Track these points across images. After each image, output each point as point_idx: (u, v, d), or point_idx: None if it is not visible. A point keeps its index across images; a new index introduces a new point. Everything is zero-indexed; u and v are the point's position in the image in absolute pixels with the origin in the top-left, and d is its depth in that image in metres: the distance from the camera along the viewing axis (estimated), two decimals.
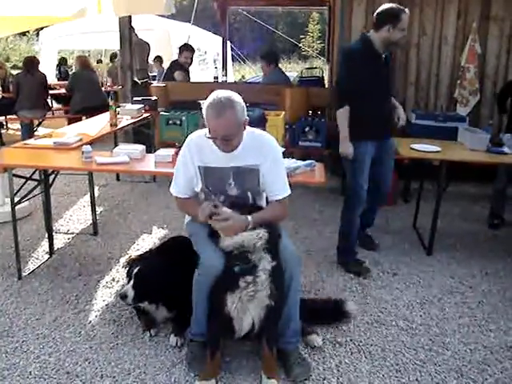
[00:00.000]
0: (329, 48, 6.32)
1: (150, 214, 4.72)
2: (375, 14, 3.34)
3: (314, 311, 2.81)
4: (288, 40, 19.80)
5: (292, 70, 16.52)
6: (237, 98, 2.32)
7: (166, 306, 2.74)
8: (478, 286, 3.42)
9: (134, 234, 4.24)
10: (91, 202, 4.21)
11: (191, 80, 6.81)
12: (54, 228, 4.07)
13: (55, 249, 3.87)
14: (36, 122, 7.70)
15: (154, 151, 3.54)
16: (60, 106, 9.46)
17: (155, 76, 9.47)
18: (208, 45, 13.53)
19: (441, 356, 2.64)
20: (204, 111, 2.31)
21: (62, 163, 3.53)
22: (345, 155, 3.41)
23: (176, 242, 3.02)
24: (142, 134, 5.79)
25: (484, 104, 5.58)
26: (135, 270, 2.63)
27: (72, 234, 4.24)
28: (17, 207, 3.39)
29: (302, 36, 27.28)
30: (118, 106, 5.13)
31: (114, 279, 3.41)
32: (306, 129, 5.09)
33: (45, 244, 3.90)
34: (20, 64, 9.35)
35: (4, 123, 8.74)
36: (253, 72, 17.40)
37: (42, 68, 7.84)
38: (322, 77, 7.68)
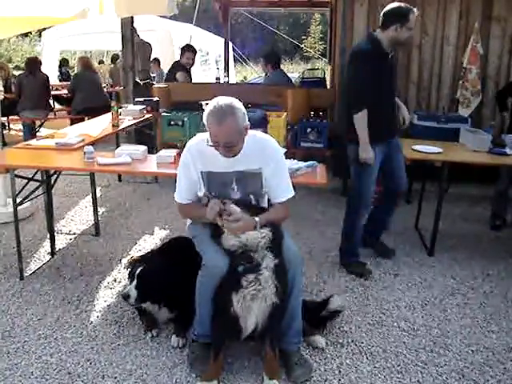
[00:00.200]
0: (331, 49, 6.32)
1: (151, 215, 4.72)
2: (382, 13, 3.30)
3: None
4: (290, 41, 19.83)
5: (294, 71, 16.52)
6: (237, 104, 2.31)
7: (168, 306, 2.74)
8: (479, 287, 3.42)
9: (136, 234, 4.24)
10: (93, 203, 4.22)
11: (193, 81, 6.81)
12: (55, 228, 4.08)
13: (57, 249, 3.87)
14: (38, 123, 7.71)
15: (156, 152, 3.54)
16: (62, 107, 9.47)
17: (154, 77, 9.49)
18: (210, 46, 13.54)
19: (442, 357, 2.64)
20: (205, 118, 2.30)
21: (63, 164, 3.53)
22: (365, 160, 3.35)
23: (177, 243, 3.03)
24: (143, 134, 5.80)
25: (486, 105, 5.57)
26: (138, 271, 2.63)
27: (74, 234, 4.24)
28: (19, 208, 3.40)
29: (303, 37, 27.30)
30: (120, 107, 5.14)
31: (115, 280, 3.41)
32: (308, 130, 5.10)
33: (47, 244, 3.91)
34: (22, 65, 9.37)
35: (6, 124, 8.76)
36: (254, 73, 17.42)
37: (44, 69, 7.86)
38: (324, 78, 7.68)
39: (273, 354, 2.40)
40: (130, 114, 5.16)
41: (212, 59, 13.84)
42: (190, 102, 6.12)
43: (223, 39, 11.35)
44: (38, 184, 3.68)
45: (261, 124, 4.41)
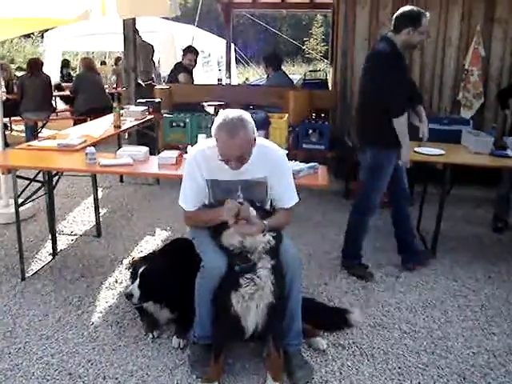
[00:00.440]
0: (332, 51, 6.32)
1: (153, 216, 4.73)
2: (395, 16, 3.30)
3: (316, 314, 2.81)
4: (292, 42, 19.83)
5: (296, 72, 16.51)
6: (247, 116, 2.29)
7: (169, 306, 2.74)
8: (481, 289, 3.42)
9: (137, 235, 4.24)
10: (95, 204, 4.22)
11: (195, 82, 6.82)
12: (57, 229, 4.09)
13: (58, 250, 3.88)
14: (40, 124, 7.72)
15: (158, 153, 3.55)
16: (67, 107, 9.47)
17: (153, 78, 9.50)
18: (212, 47, 13.54)
19: (444, 359, 2.64)
20: (215, 132, 2.27)
21: (65, 165, 3.54)
22: (405, 164, 3.38)
23: (179, 244, 3.03)
24: (145, 135, 5.80)
25: (488, 107, 5.57)
26: (141, 270, 2.64)
27: (75, 235, 4.25)
28: (21, 208, 3.40)
29: (305, 38, 27.32)
30: (122, 108, 5.14)
31: (117, 281, 3.42)
32: (310, 131, 5.11)
33: (48, 245, 3.92)
34: (25, 66, 9.39)
35: (8, 125, 8.77)
36: (256, 74, 17.41)
37: (46, 70, 7.87)
38: (326, 79, 7.68)
39: (277, 354, 2.39)
40: (132, 115, 5.17)
41: (214, 61, 13.84)
42: (192, 103, 6.15)
43: (225, 41, 11.37)
44: (39, 185, 3.69)
45: (263, 125, 4.42)
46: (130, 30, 6.13)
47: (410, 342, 2.79)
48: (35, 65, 7.39)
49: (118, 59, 11.05)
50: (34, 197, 3.64)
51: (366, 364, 2.58)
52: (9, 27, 5.30)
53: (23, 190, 3.52)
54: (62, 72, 12.17)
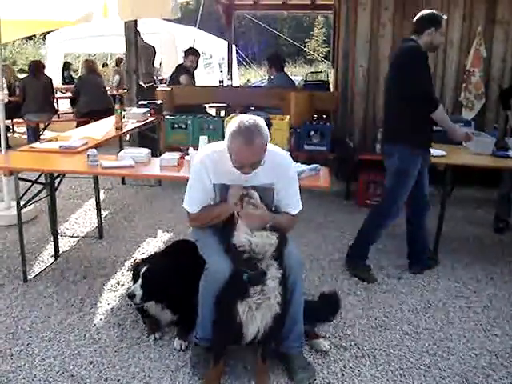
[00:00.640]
0: (334, 52, 6.32)
1: (154, 218, 4.73)
2: (415, 19, 3.38)
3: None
4: (293, 44, 19.86)
5: (297, 73, 16.54)
6: (261, 122, 2.27)
7: (171, 308, 2.75)
8: (482, 290, 3.41)
9: (139, 237, 4.25)
10: (96, 206, 4.23)
11: (196, 84, 6.83)
12: (59, 231, 4.09)
13: (60, 252, 3.88)
14: (42, 126, 7.73)
15: (160, 155, 3.55)
16: (74, 109, 9.48)
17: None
18: (213, 49, 13.57)
19: (445, 361, 2.63)
20: (229, 139, 2.24)
21: (67, 167, 3.54)
22: (464, 138, 3.51)
23: (181, 246, 3.04)
24: (147, 137, 5.81)
25: (489, 108, 5.56)
26: (143, 270, 2.64)
27: (77, 237, 4.25)
28: (22, 210, 3.41)
29: (307, 40, 27.34)
30: (124, 110, 5.15)
31: (118, 282, 3.42)
32: (311, 133, 5.11)
33: (50, 247, 3.92)
34: (27, 68, 9.40)
35: (10, 127, 8.78)
36: (258, 76, 17.43)
37: (48, 72, 7.89)
38: (327, 81, 7.69)
39: (264, 365, 2.40)
40: (134, 116, 5.17)
41: (215, 62, 13.87)
42: (194, 105, 6.16)
43: (227, 42, 11.39)
44: (41, 187, 3.69)
45: None
46: (132, 31, 6.15)
47: (412, 343, 2.78)
48: (37, 67, 7.42)
49: (119, 60, 11.06)
50: (36, 199, 3.64)
51: (368, 365, 2.58)
52: (11, 29, 5.32)
53: (25, 192, 3.52)
54: (63, 74, 12.21)
